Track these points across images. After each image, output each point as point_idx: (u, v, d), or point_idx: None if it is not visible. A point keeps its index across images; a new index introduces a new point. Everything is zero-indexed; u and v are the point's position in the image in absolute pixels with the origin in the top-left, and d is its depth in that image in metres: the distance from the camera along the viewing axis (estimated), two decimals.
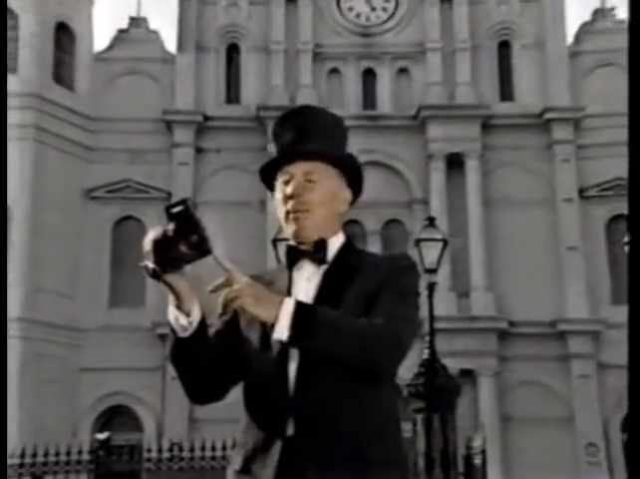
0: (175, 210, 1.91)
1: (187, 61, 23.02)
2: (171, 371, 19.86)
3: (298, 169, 2.16)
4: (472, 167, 22.27)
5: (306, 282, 2.14)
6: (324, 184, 2.18)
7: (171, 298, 2.02)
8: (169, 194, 22.14)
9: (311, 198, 2.15)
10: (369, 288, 2.08)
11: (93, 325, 21.12)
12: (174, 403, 20.23)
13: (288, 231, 2.18)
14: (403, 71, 23.40)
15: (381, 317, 2.02)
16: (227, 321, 2.12)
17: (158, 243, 1.93)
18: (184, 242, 1.91)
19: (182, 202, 1.93)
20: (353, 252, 2.20)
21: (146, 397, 21.00)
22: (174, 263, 1.95)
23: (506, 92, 23.29)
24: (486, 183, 22.35)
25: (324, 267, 2.15)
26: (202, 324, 2.04)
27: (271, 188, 2.26)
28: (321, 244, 2.16)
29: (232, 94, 23.40)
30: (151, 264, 1.95)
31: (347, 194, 2.24)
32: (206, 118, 22.67)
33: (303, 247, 2.17)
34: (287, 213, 2.15)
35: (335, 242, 2.19)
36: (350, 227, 20.18)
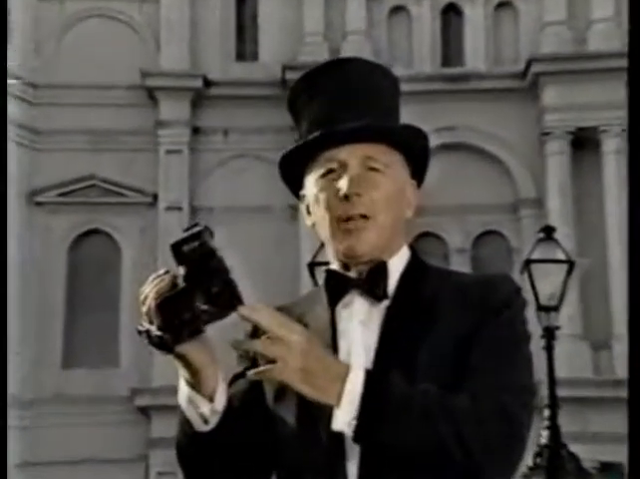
0: (188, 247, 1.90)
1: None
2: (157, 463, 20.08)
3: (352, 153, 2.15)
4: (612, 148, 22.14)
5: (361, 329, 2.14)
6: (392, 175, 2.18)
7: (183, 374, 2.05)
8: (155, 196, 22.41)
9: (375, 197, 2.14)
10: (455, 336, 2.07)
11: (40, 395, 21.39)
12: None
13: (335, 247, 2.17)
14: (503, 6, 23.43)
15: (480, 389, 2.00)
16: (247, 392, 2.14)
17: (166, 300, 1.94)
18: (202, 295, 1.91)
19: (197, 234, 1.92)
20: (424, 276, 2.19)
21: None
22: (192, 328, 1.96)
23: None
24: None
25: (385, 304, 2.14)
26: (229, 412, 2.07)
27: (296, 187, 2.26)
28: (380, 271, 2.15)
29: (246, 47, 23.64)
30: (156, 331, 1.95)
31: (413, 191, 2.26)
32: (208, 83, 22.94)
33: (352, 275, 2.16)
34: (339, 220, 2.13)
35: (398, 264, 2.19)
36: (425, 242, 20.14)
